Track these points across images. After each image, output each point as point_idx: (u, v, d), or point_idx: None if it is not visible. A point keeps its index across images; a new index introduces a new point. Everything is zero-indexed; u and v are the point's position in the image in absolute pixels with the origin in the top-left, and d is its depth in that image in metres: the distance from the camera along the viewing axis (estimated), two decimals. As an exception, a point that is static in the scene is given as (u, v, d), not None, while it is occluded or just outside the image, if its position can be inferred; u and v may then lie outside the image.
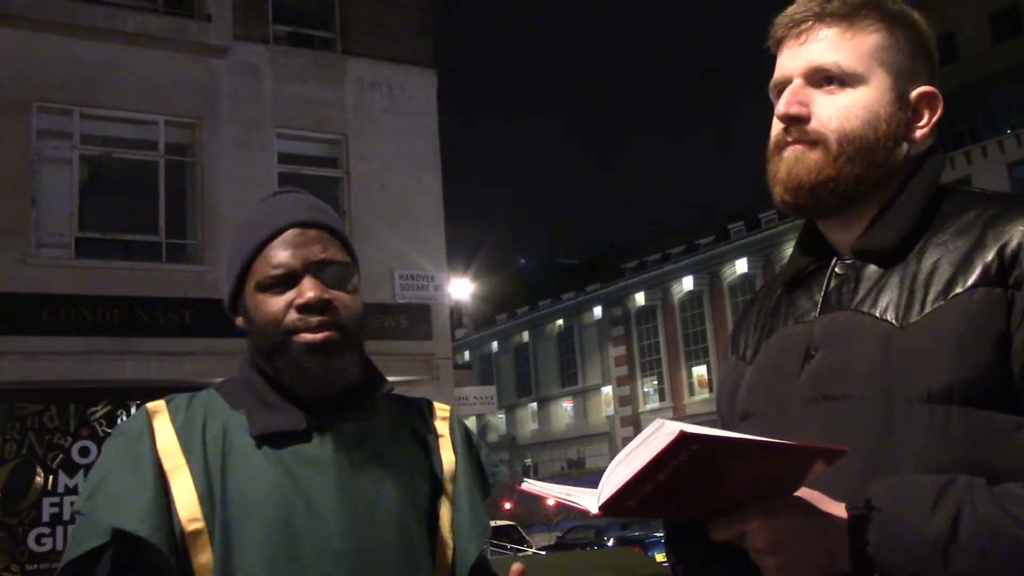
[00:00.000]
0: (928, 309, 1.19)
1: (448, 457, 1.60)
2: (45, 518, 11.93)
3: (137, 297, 12.96)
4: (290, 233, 1.49)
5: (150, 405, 1.51)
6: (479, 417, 51.29)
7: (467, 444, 1.64)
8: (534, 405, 57.56)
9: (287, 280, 1.47)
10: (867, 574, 1.09)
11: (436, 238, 15.52)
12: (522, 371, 58.89)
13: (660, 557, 16.37)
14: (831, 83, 1.32)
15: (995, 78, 34.80)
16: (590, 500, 1.12)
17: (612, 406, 51.35)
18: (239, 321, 1.56)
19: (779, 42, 1.38)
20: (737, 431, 1.34)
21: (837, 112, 1.30)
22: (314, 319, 1.45)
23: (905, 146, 1.31)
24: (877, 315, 1.23)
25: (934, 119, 1.33)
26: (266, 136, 14.45)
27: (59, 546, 12.01)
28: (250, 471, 1.43)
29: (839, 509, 1.11)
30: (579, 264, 61.22)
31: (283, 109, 14.59)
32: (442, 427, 1.63)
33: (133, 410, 12.78)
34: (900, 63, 1.32)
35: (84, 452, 12.64)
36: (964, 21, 35.20)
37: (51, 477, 12.24)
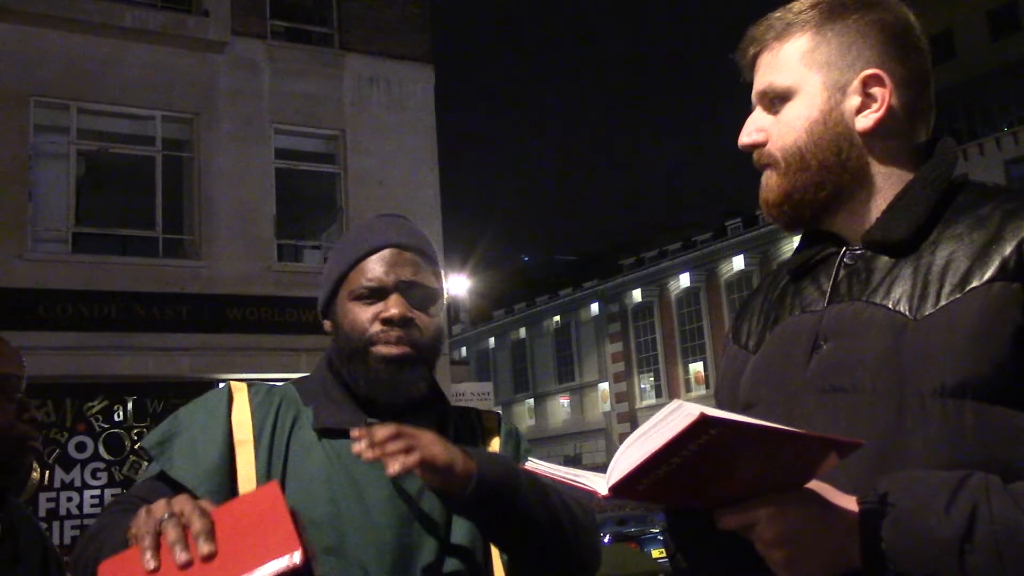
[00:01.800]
0: (943, 302, 1.17)
1: None
2: (41, 513, 11.93)
3: (134, 292, 12.96)
4: (388, 252, 1.63)
5: (233, 383, 1.64)
6: (476, 413, 51.25)
7: (516, 450, 1.73)
8: (531, 401, 57.57)
9: (377, 293, 1.60)
10: (878, 570, 1.07)
11: (433, 234, 15.51)
12: (519, 367, 58.89)
13: (656, 553, 16.38)
14: (774, 103, 1.36)
15: (993, 76, 34.79)
16: (599, 482, 1.11)
17: (609, 402, 51.38)
18: (327, 325, 1.68)
19: (743, 69, 1.44)
20: None
21: (779, 129, 1.35)
22: (394, 333, 1.58)
23: (860, 137, 1.31)
24: (890, 306, 1.22)
25: (887, 100, 1.31)
26: (264, 132, 14.44)
27: (55, 541, 12.00)
28: (308, 460, 1.55)
29: (850, 503, 1.10)
30: (576, 260, 61.21)
31: (281, 105, 14.58)
32: (492, 431, 1.74)
33: (130, 406, 12.88)
34: (830, 57, 1.32)
35: (81, 447, 12.64)
36: (962, 18, 35.20)
37: (47, 472, 12.24)
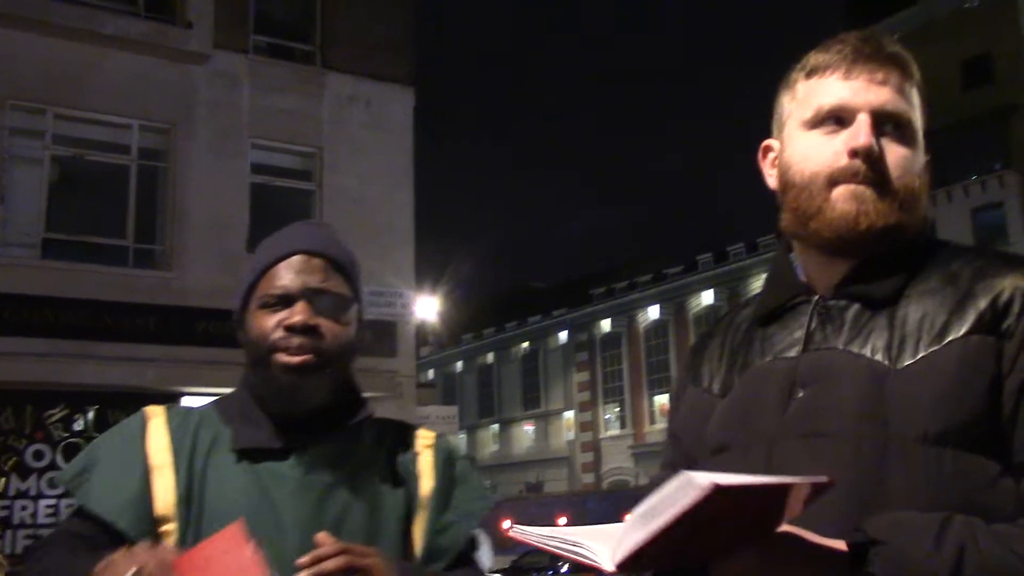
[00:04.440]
0: (923, 352, 1.23)
1: (427, 483, 1.63)
2: (-5, 520, 11.74)
3: (102, 301, 12.85)
4: (296, 259, 1.59)
5: (149, 408, 1.61)
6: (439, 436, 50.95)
7: (448, 470, 1.67)
8: (496, 427, 57.40)
9: (284, 301, 1.56)
10: None
11: (406, 256, 15.53)
12: (485, 392, 58.74)
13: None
14: (895, 131, 1.34)
15: (963, 124, 35.38)
16: (603, 555, 1.08)
17: (573, 431, 51.33)
18: (241, 336, 1.64)
19: (824, 69, 1.37)
20: (709, 465, 1.37)
21: (903, 163, 1.33)
22: (296, 340, 1.53)
23: None
24: (868, 355, 1.26)
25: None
26: (241, 145, 14.42)
27: (7, 550, 11.81)
28: (226, 483, 1.52)
29: (837, 544, 1.13)
30: (547, 288, 61.29)
31: (259, 119, 14.57)
32: (425, 453, 1.67)
33: (91, 415, 12.73)
34: (922, 124, 1.37)
35: (38, 455, 12.46)
36: (936, 66, 35.76)
37: (3, 480, 12.06)
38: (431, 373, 59.10)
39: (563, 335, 53.16)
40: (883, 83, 1.34)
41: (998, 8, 36.20)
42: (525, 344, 56.11)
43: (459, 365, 61.09)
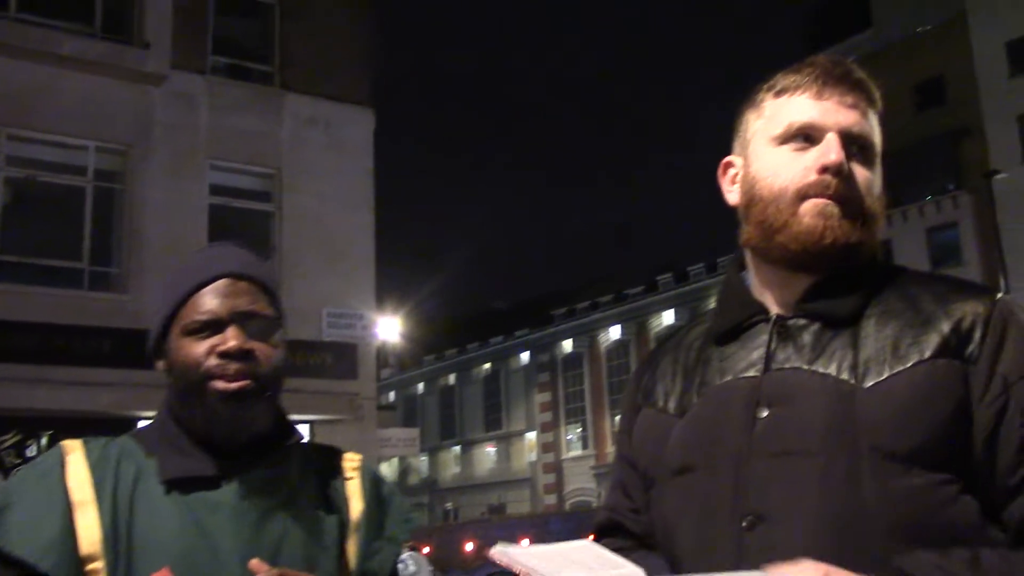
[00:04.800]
0: (888, 372, 1.26)
1: (356, 506, 1.61)
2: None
3: (56, 324, 12.64)
4: (221, 283, 1.54)
5: (65, 442, 1.53)
6: (401, 459, 50.77)
7: (375, 493, 1.65)
8: (457, 449, 57.18)
9: (212, 327, 1.51)
10: None
11: (366, 277, 15.46)
12: (447, 414, 58.54)
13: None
14: (859, 153, 1.37)
15: (918, 146, 35.98)
16: None
17: (535, 452, 51.26)
18: (159, 365, 1.58)
19: (794, 88, 1.40)
20: (669, 486, 1.39)
21: (867, 184, 1.37)
22: (232, 366, 1.48)
23: None
24: (833, 374, 1.28)
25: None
26: (199, 167, 14.30)
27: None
28: (156, 515, 1.46)
29: None
30: (509, 309, 61.32)
31: (218, 140, 14.46)
32: (352, 476, 1.65)
33: (44, 441, 12.47)
34: (880, 148, 1.41)
35: (-10, 482, 12.21)
36: (890, 88, 35.71)
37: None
38: (392, 395, 58.81)
39: (525, 356, 53.17)
40: (852, 107, 1.38)
41: (950, 32, 36.94)
42: (487, 365, 56.05)
43: (420, 386, 60.86)
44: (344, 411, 14.35)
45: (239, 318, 1.52)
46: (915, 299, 1.33)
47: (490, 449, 55.22)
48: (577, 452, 48.95)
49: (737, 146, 1.48)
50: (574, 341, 49.94)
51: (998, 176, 26.06)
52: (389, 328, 25.03)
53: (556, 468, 49.68)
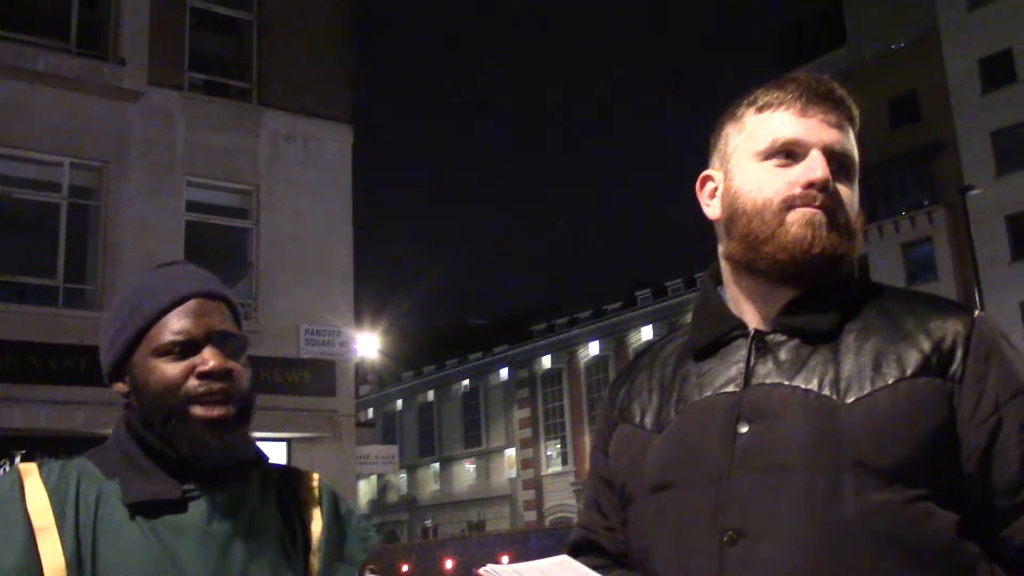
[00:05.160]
0: (870, 389, 1.27)
1: (316, 526, 1.60)
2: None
3: (30, 342, 12.51)
4: (192, 303, 1.52)
5: (21, 466, 1.49)
6: (380, 476, 50.55)
7: (335, 513, 1.64)
8: (436, 465, 56.99)
9: (187, 347, 1.48)
10: None
11: (345, 294, 15.40)
12: (425, 430, 58.35)
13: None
14: (840, 171, 1.39)
15: (892, 161, 36.33)
16: None
17: (515, 469, 51.16)
18: (119, 387, 1.55)
19: (777, 104, 1.41)
20: (647, 503, 1.38)
21: (848, 200, 1.38)
22: (215, 386, 1.46)
23: None
24: (814, 389, 1.29)
25: None
26: (175, 183, 14.22)
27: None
28: (121, 540, 1.42)
29: None
30: (488, 325, 61.28)
31: (194, 157, 14.39)
32: (312, 497, 1.63)
33: (17, 460, 12.31)
34: (858, 163, 1.43)
35: (-38, 503, 12.04)
36: (864, 105, 36.64)
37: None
38: (371, 412, 58.59)
39: (504, 372, 53.12)
40: (834, 124, 1.39)
41: (923, 49, 37.37)
42: (466, 381, 55.95)
43: (399, 403, 60.67)
44: (322, 428, 14.26)
45: (215, 338, 1.50)
46: (895, 316, 1.35)
47: (469, 466, 55.06)
48: (557, 468, 48.89)
49: (716, 160, 1.48)
50: (553, 357, 49.94)
51: (972, 192, 26.31)
52: (368, 345, 24.95)
53: (536, 484, 49.58)
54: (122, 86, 13.81)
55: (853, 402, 1.27)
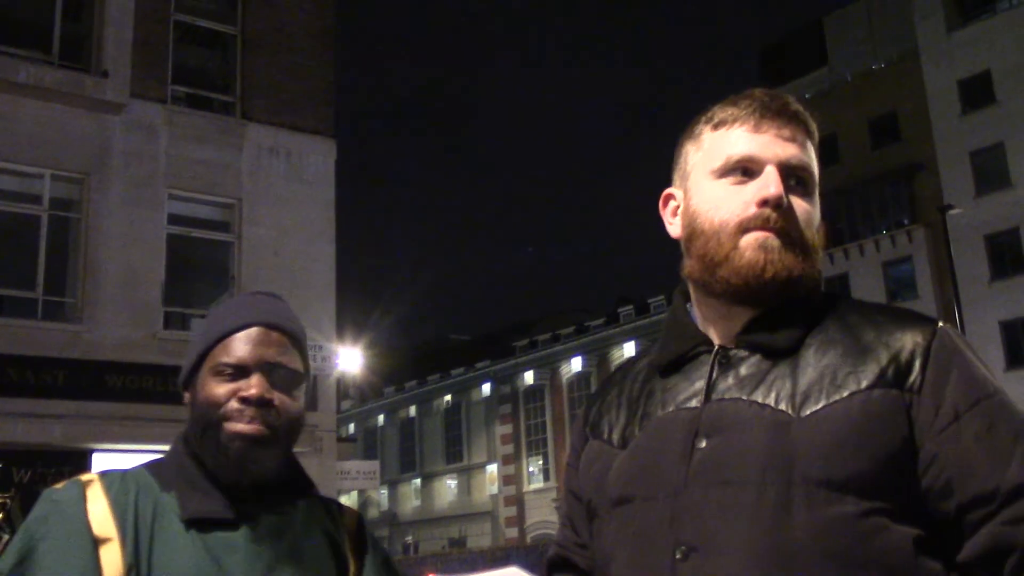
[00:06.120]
0: (824, 402, 1.26)
1: (353, 563, 1.65)
2: None
3: (7, 355, 12.41)
4: (254, 331, 1.60)
5: (83, 476, 1.55)
6: (360, 492, 50.27)
7: (375, 551, 1.70)
8: (418, 481, 56.73)
9: (239, 372, 1.56)
10: None
11: (327, 308, 15.36)
12: (407, 446, 58.10)
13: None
14: (798, 186, 1.38)
15: (873, 180, 36.61)
16: None
17: (496, 485, 50.98)
18: (186, 397, 1.63)
19: (732, 121, 1.40)
20: (608, 517, 1.39)
21: (806, 216, 1.37)
22: (249, 412, 1.53)
23: None
24: (772, 404, 1.29)
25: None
26: (157, 196, 14.16)
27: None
28: (177, 553, 1.48)
29: None
30: (470, 340, 61.17)
31: (177, 170, 14.35)
32: (349, 531, 1.69)
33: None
34: (817, 176, 1.42)
35: (-63, 517, 11.89)
36: (845, 124, 37.03)
37: (-102, 543, 11.47)
38: (352, 427, 58.32)
39: (486, 387, 52.99)
40: (789, 139, 1.38)
41: (903, 69, 37.71)
42: (448, 397, 55.78)
43: (381, 418, 60.41)
44: (304, 444, 14.11)
45: (266, 368, 1.57)
46: (855, 329, 1.34)
47: (451, 482, 54.84)
48: (539, 485, 48.75)
49: (677, 178, 1.48)
50: (535, 373, 49.88)
51: (952, 211, 26.51)
52: (349, 359, 24.84)
53: (517, 501, 49.41)
54: (105, 98, 13.77)
55: (806, 416, 1.26)
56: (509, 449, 50.58)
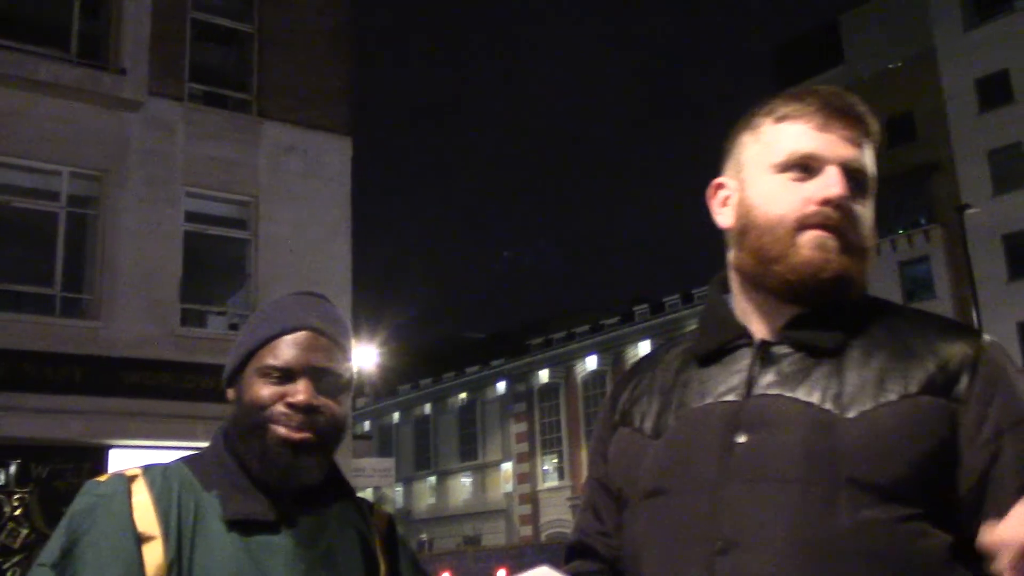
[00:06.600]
0: (872, 404, 1.26)
1: (383, 563, 1.66)
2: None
3: (26, 351, 12.49)
4: (303, 335, 1.59)
5: (126, 471, 1.54)
6: (375, 490, 50.40)
7: (404, 553, 1.71)
8: (432, 479, 56.85)
9: (285, 375, 1.56)
10: None
11: (343, 305, 15.29)
12: (422, 444, 58.22)
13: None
14: (856, 188, 1.37)
15: (890, 179, 36.36)
16: None
17: (511, 483, 51.01)
18: (230, 394, 1.63)
19: (796, 117, 1.39)
20: (640, 508, 1.38)
21: (865, 222, 1.37)
22: (296, 418, 1.53)
23: None
24: (814, 402, 1.28)
25: None
26: (174, 193, 14.23)
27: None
28: (218, 553, 1.48)
29: None
30: (485, 339, 61.21)
31: (194, 167, 14.41)
32: (380, 532, 1.70)
33: (12, 469, 12.30)
34: (874, 180, 1.42)
35: (-44, 511, 11.99)
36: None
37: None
38: (367, 424, 58.46)
39: (501, 385, 53.02)
40: (853, 141, 1.37)
41: (919, 68, 37.51)
42: (462, 395, 55.85)
43: (396, 416, 60.54)
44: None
45: (313, 373, 1.56)
46: (901, 334, 1.34)
47: (465, 480, 54.92)
48: (553, 483, 48.76)
49: (730, 168, 1.47)
50: (550, 371, 49.88)
51: (969, 211, 26.38)
52: (365, 357, 24.92)
53: (532, 499, 49.44)
54: (122, 96, 13.84)
55: (854, 417, 1.26)
56: (524, 447, 50.61)
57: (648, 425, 1.43)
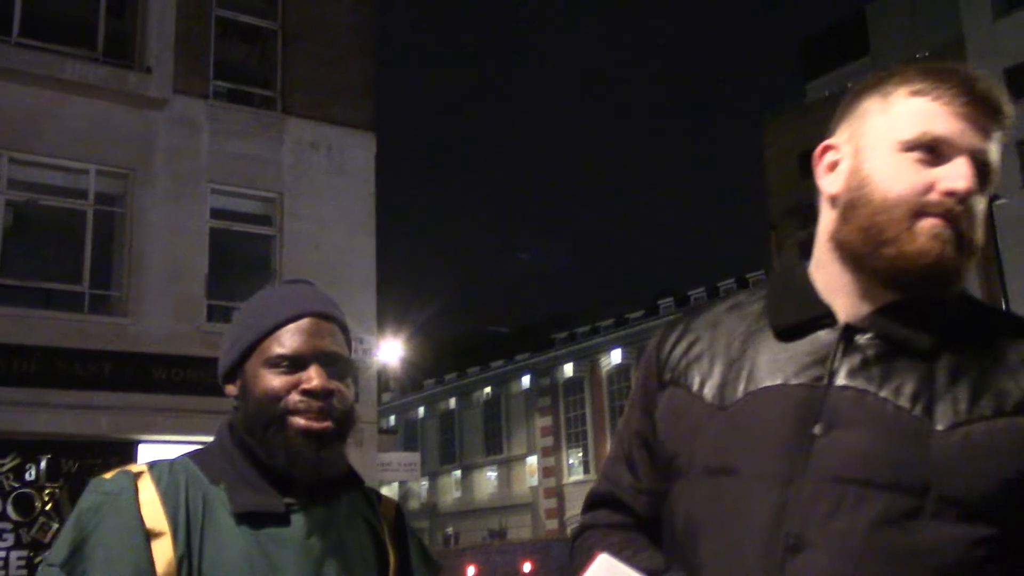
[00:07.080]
0: (965, 418, 1.21)
1: (392, 552, 1.65)
2: (-59, 575, 11.39)
3: (56, 348, 12.63)
4: (306, 321, 1.58)
5: (132, 467, 1.54)
6: (401, 484, 50.60)
7: (413, 541, 1.71)
8: (458, 473, 56.98)
9: (295, 363, 1.55)
10: None
11: (367, 301, 15.45)
12: (447, 438, 58.38)
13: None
14: (980, 184, 1.29)
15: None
16: None
17: (536, 477, 51.06)
18: (230, 389, 1.62)
19: (934, 94, 1.31)
20: (700, 484, 1.32)
21: (980, 218, 1.29)
22: (315, 404, 1.52)
23: None
24: (905, 407, 1.23)
25: None
26: (199, 190, 14.33)
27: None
28: (227, 547, 1.47)
29: None
30: (509, 333, 61.26)
31: (219, 164, 14.50)
32: (388, 521, 1.69)
33: (43, 465, 12.45)
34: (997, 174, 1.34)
35: (-12, 506, 12.14)
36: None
37: (-49, 532, 11.72)
38: (392, 419, 58.68)
39: (526, 380, 53.06)
40: (985, 130, 1.30)
41: (947, 58, 36.48)
42: (487, 389, 55.93)
43: (421, 411, 60.73)
44: (344, 435, 14.29)
45: (323, 358, 1.56)
46: (997, 345, 1.27)
47: (491, 474, 55.01)
48: (579, 477, 48.75)
49: (845, 131, 1.37)
50: (575, 365, 49.85)
51: (998, 202, 26.01)
52: (390, 352, 25.01)
53: (557, 493, 49.46)
54: (148, 94, 13.95)
55: (946, 429, 1.21)
56: (549, 441, 50.63)
57: (709, 393, 1.35)
